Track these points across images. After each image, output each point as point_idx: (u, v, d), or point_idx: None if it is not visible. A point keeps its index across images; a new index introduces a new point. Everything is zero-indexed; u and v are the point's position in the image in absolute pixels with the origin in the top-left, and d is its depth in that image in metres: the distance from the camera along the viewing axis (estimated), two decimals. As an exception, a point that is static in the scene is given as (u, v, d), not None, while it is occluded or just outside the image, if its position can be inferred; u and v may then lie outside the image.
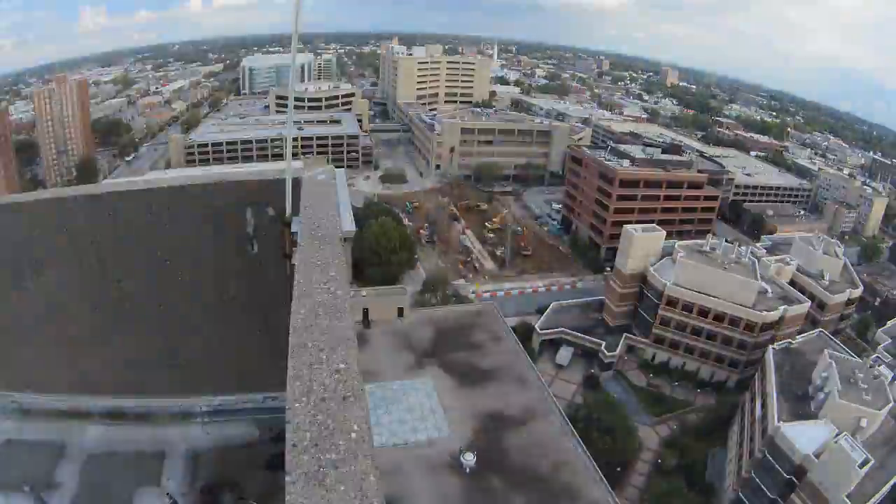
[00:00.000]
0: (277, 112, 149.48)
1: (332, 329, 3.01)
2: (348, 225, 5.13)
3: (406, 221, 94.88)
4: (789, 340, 52.60)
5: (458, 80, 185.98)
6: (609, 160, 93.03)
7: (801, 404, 43.42)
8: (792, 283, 63.35)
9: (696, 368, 61.64)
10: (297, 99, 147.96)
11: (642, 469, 50.43)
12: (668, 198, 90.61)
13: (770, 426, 40.81)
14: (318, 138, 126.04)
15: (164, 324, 5.72)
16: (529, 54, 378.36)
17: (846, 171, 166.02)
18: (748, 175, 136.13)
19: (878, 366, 44.24)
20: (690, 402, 58.58)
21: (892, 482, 36.42)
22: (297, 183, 5.16)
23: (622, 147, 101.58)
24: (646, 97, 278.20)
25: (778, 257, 66.16)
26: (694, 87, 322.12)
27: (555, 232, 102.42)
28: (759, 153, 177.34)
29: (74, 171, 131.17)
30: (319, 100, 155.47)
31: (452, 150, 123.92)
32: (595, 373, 61.28)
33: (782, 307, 57.75)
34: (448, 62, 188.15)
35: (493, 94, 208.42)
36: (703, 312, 59.05)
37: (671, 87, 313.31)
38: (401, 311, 48.05)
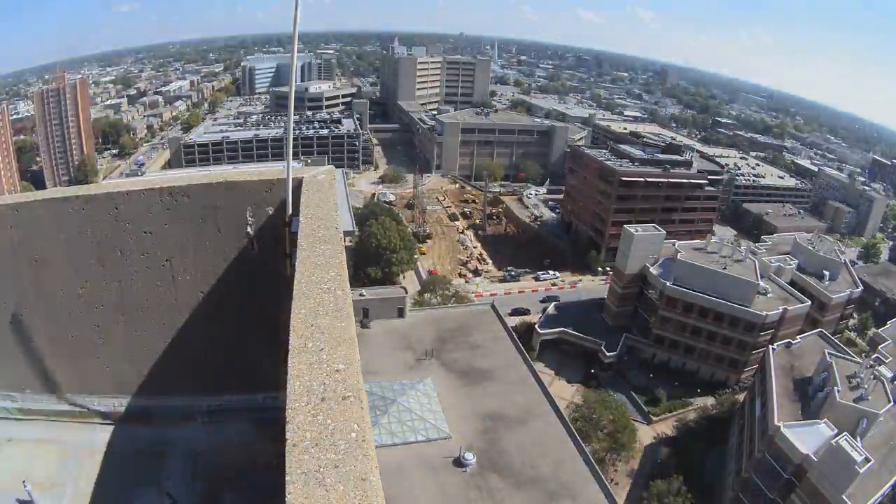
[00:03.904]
0: (277, 112, 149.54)
1: (332, 329, 3.01)
2: (348, 225, 5.13)
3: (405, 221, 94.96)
4: (789, 340, 52.61)
5: (458, 80, 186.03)
6: (609, 160, 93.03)
7: (801, 404, 43.44)
8: (792, 283, 63.36)
9: (696, 368, 61.64)
10: (297, 99, 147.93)
11: (642, 469, 50.45)
12: (668, 198, 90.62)
13: (770, 426, 40.79)
14: (318, 138, 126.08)
15: (165, 324, 5.71)
16: (529, 54, 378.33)
17: (846, 172, 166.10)
18: (748, 175, 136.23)
19: (878, 366, 44.25)
20: (690, 402, 58.58)
21: (892, 482, 36.43)
22: (297, 183, 5.16)
23: (622, 147, 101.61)
24: (646, 97, 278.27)
25: (778, 257, 66.17)
26: (694, 87, 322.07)
27: (555, 232, 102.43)
28: (759, 153, 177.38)
29: (74, 171, 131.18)
30: (319, 100, 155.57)
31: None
32: (595, 373, 61.29)
33: (782, 307, 57.76)
34: (448, 62, 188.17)
35: (493, 94, 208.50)
36: (703, 312, 59.04)
37: (671, 87, 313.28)
38: (401, 311, 48.16)
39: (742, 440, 47.43)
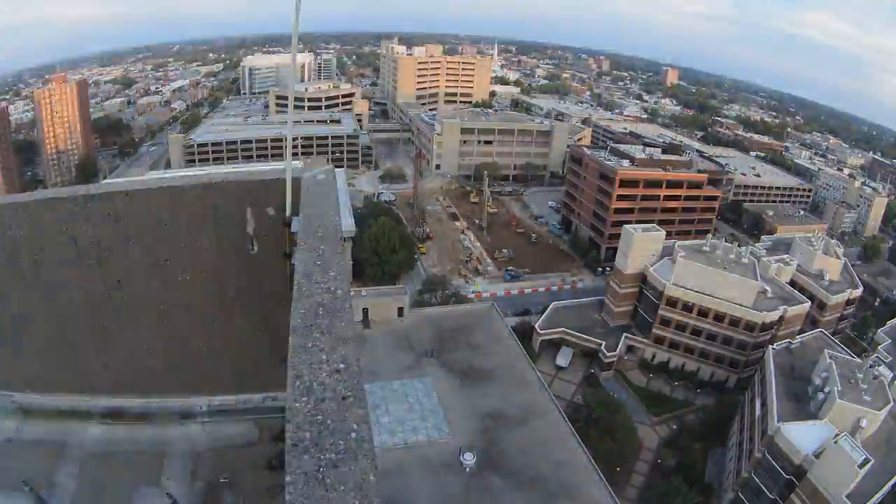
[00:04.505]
0: (277, 112, 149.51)
1: (332, 329, 3.01)
2: (348, 225, 5.13)
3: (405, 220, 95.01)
4: (789, 340, 52.62)
5: (458, 80, 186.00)
6: (609, 160, 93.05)
7: (801, 404, 43.44)
8: (792, 283, 63.36)
9: (696, 368, 61.64)
10: (297, 99, 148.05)
11: (642, 469, 50.45)
12: (668, 198, 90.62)
13: (770, 426, 40.81)
14: (318, 138, 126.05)
15: (164, 324, 5.71)
16: (529, 54, 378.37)
17: (846, 171, 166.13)
18: (748, 175, 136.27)
19: (878, 366, 44.25)
20: (690, 402, 58.61)
21: (892, 482, 36.43)
22: (297, 183, 5.16)
23: (622, 147, 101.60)
24: (646, 97, 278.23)
25: (778, 257, 66.18)
26: (694, 87, 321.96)
27: (555, 232, 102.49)
28: (759, 153, 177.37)
29: (74, 171, 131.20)
30: (319, 100, 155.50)
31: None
32: (595, 373, 61.29)
33: (782, 307, 57.75)
34: (448, 62, 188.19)
35: (493, 94, 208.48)
36: (703, 312, 59.04)
37: (671, 87, 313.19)
38: (401, 311, 48.09)
39: (742, 440, 47.43)
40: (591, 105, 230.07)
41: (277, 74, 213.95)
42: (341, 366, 2.73)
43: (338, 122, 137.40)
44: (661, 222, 72.57)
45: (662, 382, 61.13)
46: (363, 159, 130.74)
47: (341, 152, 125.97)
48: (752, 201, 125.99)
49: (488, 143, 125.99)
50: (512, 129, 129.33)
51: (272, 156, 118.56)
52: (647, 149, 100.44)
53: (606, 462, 43.24)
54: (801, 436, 38.48)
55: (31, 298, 5.44)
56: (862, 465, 33.98)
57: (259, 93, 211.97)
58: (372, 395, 36.88)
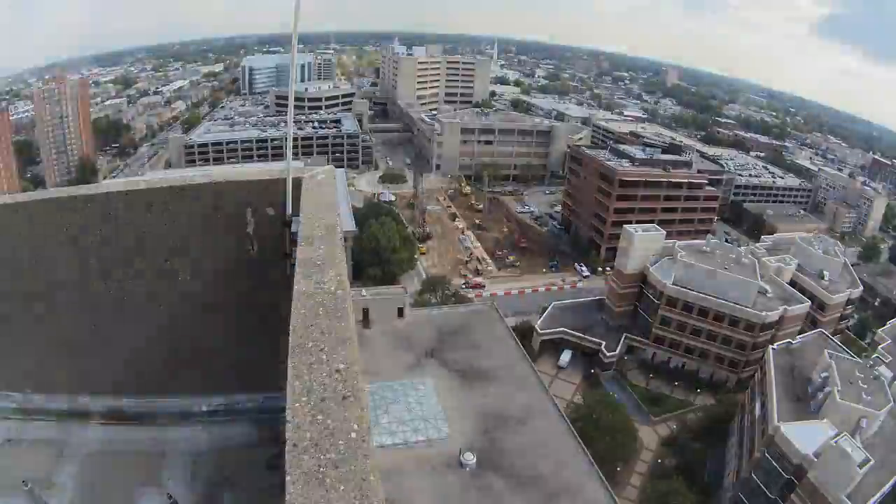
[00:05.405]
0: (277, 112, 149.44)
1: (332, 329, 3.01)
2: (348, 225, 5.14)
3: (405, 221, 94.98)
4: (789, 340, 52.62)
5: (458, 80, 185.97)
6: (609, 160, 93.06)
7: (801, 404, 43.44)
8: (792, 283, 63.36)
9: (696, 368, 61.64)
10: (297, 99, 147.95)
11: (642, 469, 50.45)
12: (668, 198, 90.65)
13: (770, 426, 40.81)
14: (318, 138, 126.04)
15: (164, 324, 5.71)
16: (529, 54, 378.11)
17: (846, 171, 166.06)
18: (748, 175, 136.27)
19: (878, 366, 44.24)
20: (690, 402, 58.60)
21: (892, 482, 36.43)
22: (297, 183, 5.16)
23: (622, 147, 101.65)
24: (646, 97, 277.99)
25: (778, 257, 66.16)
26: (694, 87, 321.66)
27: (555, 232, 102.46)
28: (759, 153, 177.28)
29: (74, 171, 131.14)
30: (319, 100, 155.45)
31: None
32: (595, 373, 61.28)
33: (782, 307, 57.75)
34: (448, 62, 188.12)
35: (493, 94, 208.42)
36: (703, 312, 59.05)
37: (671, 87, 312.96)
38: (401, 311, 48.03)
39: (742, 440, 47.43)
40: (591, 105, 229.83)
41: (277, 74, 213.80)
42: (341, 366, 2.73)
43: (338, 122, 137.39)
44: (661, 222, 72.63)
45: (662, 382, 61.12)
46: (363, 159, 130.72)
47: (341, 152, 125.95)
48: (752, 201, 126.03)
49: (488, 143, 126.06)
50: (512, 129, 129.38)
51: (272, 156, 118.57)
52: (647, 149, 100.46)
53: (606, 462, 43.25)
54: (801, 436, 38.47)
55: (31, 298, 5.44)
56: (862, 465, 34.00)
57: (259, 93, 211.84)
58: (372, 395, 36.85)
